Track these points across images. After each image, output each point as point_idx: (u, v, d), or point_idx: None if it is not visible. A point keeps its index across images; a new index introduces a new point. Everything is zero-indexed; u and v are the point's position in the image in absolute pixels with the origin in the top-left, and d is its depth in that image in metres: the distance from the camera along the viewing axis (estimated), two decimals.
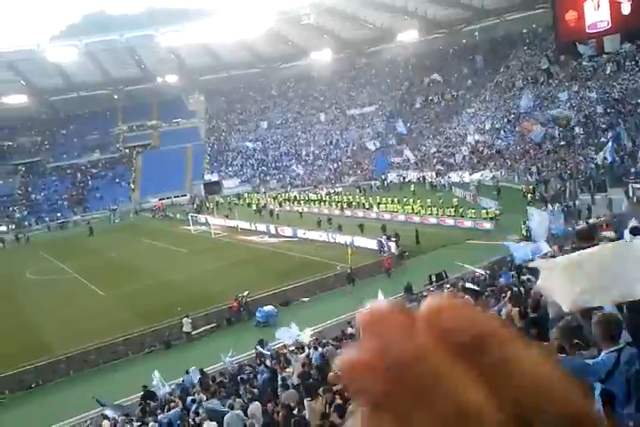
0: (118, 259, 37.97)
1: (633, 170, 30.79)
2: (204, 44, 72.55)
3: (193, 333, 22.23)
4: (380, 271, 26.72)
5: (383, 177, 54.54)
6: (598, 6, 47.39)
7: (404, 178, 52.71)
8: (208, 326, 22.97)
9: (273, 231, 39.24)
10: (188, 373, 16.95)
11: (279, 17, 67.80)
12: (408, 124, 60.91)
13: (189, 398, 13.72)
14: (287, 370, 14.28)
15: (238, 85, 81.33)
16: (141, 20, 76.26)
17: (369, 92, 73.13)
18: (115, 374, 19.82)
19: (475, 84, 60.53)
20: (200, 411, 12.00)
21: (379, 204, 41.17)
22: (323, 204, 46.89)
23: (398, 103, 68.18)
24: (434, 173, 49.31)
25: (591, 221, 19.97)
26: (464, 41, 68.40)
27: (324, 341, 16.86)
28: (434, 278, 24.30)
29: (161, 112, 77.92)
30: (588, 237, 6.24)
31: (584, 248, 3.89)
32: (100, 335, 21.99)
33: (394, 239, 30.09)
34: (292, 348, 17.23)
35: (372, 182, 54.10)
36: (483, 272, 20.34)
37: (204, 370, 16.87)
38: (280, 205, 49.45)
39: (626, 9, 45.58)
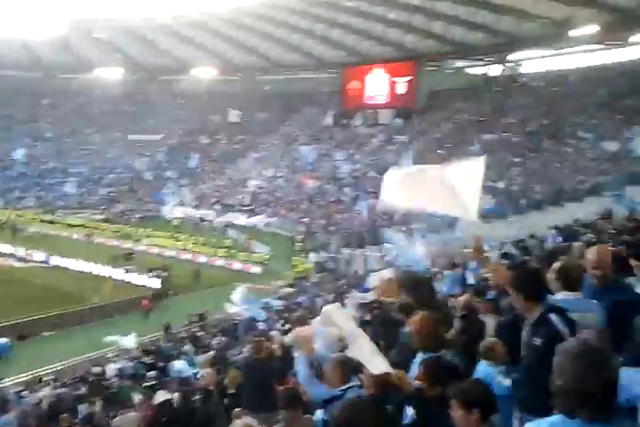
0: None
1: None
2: None
3: None
4: (139, 309, 25.06)
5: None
6: (378, 82, 53.13)
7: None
8: None
9: (21, 254, 34.81)
10: None
11: (71, 25, 63.09)
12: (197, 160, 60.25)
13: None
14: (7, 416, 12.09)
15: (7, 87, 72.81)
16: None
17: (156, 120, 70.97)
18: None
19: (263, 131, 62.50)
20: None
21: (148, 236, 39.32)
22: (86, 229, 43.29)
23: (185, 137, 67.25)
24: (212, 212, 48.89)
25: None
26: (258, 89, 70.74)
27: (65, 381, 15.00)
28: (194, 319, 23.58)
29: None
30: None
31: None
32: None
33: (164, 274, 28.79)
34: (22, 388, 14.97)
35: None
36: (248, 315, 20.13)
37: None
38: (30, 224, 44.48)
39: (401, 88, 51.83)
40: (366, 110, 53.45)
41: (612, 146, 31.40)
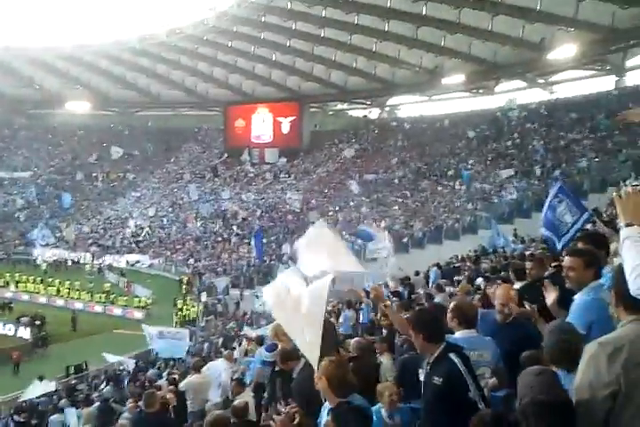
0: None
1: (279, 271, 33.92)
2: None
3: None
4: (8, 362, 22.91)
5: None
6: (264, 121, 53.90)
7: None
8: None
9: None
10: None
11: None
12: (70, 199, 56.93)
13: None
14: None
15: None
16: None
17: (24, 155, 66.54)
18: None
19: (143, 169, 60.64)
20: None
21: (17, 282, 36.37)
22: None
23: (57, 174, 63.45)
24: (88, 254, 46.12)
25: None
26: (137, 125, 68.53)
27: None
28: (72, 370, 22.01)
29: None
30: None
31: None
32: None
33: (37, 323, 26.68)
34: None
35: None
36: (132, 364, 19.04)
37: None
38: None
39: (285, 128, 52.87)
40: (252, 149, 53.79)
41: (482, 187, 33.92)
